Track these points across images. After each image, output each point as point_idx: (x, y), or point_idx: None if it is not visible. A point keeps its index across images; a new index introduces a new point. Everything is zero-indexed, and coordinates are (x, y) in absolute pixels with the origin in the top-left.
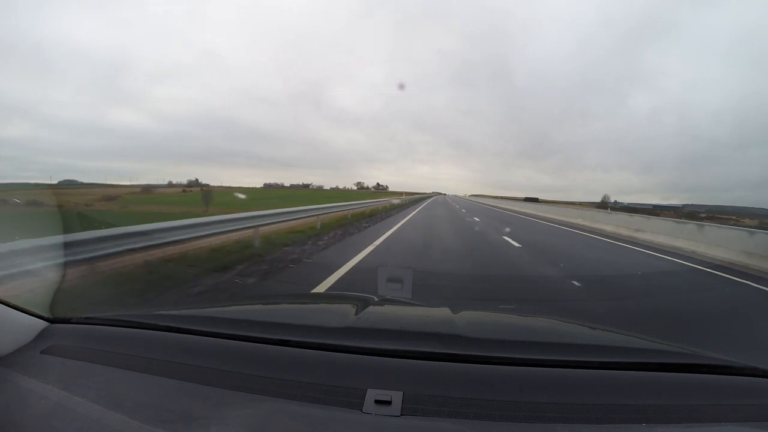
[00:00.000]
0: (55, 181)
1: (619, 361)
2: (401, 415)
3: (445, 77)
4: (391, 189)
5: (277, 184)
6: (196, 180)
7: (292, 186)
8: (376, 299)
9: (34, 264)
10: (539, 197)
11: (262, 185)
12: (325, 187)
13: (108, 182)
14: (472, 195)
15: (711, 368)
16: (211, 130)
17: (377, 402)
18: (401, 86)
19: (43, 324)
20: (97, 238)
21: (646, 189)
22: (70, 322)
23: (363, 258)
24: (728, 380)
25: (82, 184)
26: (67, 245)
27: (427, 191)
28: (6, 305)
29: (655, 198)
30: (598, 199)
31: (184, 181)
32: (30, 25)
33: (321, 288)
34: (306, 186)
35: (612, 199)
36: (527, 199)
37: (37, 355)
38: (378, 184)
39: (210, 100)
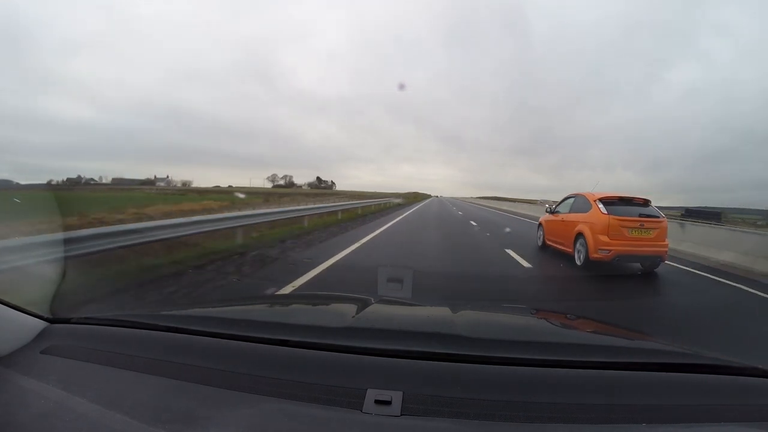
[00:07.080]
0: None
1: (619, 361)
2: (401, 415)
3: (433, 40)
4: (340, 188)
5: (92, 181)
6: (78, 177)
7: (114, 181)
8: (375, 299)
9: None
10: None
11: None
12: (196, 185)
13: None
14: (480, 197)
15: (711, 368)
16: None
17: (377, 402)
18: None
19: (43, 324)
20: None
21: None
22: (70, 322)
23: None
24: (728, 380)
25: (18, 185)
26: None
27: (402, 191)
28: (6, 305)
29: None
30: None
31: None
32: None
33: None
34: (151, 182)
35: None
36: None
37: (37, 355)
38: (318, 178)
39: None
